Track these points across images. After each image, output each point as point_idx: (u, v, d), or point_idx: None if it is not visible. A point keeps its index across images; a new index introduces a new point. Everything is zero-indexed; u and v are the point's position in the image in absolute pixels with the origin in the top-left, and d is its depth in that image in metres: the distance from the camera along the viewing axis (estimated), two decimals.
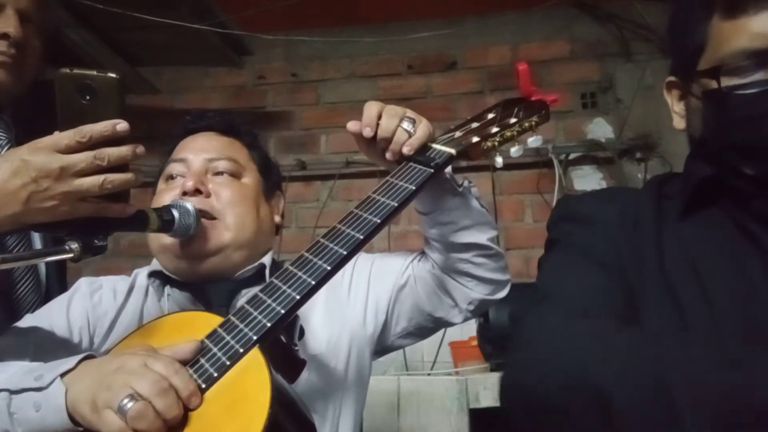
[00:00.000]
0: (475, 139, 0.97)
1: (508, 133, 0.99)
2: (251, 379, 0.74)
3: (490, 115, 1.01)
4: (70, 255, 0.77)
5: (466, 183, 1.03)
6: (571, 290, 0.76)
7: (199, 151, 1.08)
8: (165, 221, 0.93)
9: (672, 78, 0.86)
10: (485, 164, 2.51)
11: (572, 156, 2.52)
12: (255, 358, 0.76)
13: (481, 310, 1.10)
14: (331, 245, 0.83)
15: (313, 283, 0.80)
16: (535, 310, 0.76)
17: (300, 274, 0.81)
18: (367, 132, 0.95)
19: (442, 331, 2.10)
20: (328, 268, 0.81)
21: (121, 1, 2.08)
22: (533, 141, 1.01)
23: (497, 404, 1.73)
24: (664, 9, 2.47)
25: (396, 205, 0.87)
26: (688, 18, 0.81)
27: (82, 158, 0.76)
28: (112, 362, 0.76)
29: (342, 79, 2.73)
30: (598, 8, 2.57)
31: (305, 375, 0.97)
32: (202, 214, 1.00)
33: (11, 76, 1.14)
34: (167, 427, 0.71)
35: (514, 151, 1.01)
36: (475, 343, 2.02)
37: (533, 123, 1.00)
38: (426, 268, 1.07)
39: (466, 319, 1.09)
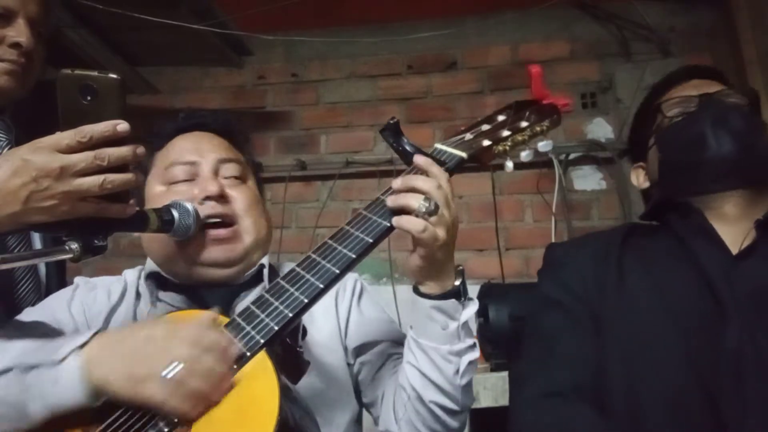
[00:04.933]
0: (487, 142, 0.95)
1: (520, 138, 0.97)
2: (259, 384, 0.74)
3: (501, 117, 0.99)
4: (70, 255, 0.77)
5: (469, 340, 0.91)
6: (551, 370, 0.97)
7: (208, 152, 1.05)
8: (165, 221, 0.93)
9: (637, 164, 1.20)
10: None
11: (572, 156, 2.51)
12: (262, 362, 0.75)
13: None
14: (339, 248, 0.83)
15: (322, 286, 0.79)
16: (518, 393, 0.99)
17: (308, 276, 0.81)
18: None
19: None
20: (337, 271, 0.80)
21: (121, 1, 2.07)
22: (544, 146, 1.00)
23: (497, 404, 1.73)
24: (664, 9, 2.49)
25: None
26: (641, 119, 1.19)
27: (83, 158, 0.76)
28: (136, 334, 0.77)
29: (342, 79, 2.73)
30: (598, 8, 2.57)
31: (307, 375, 0.97)
32: (221, 218, 0.99)
33: (18, 83, 1.15)
34: (211, 389, 0.72)
35: (525, 155, 0.99)
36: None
37: (544, 127, 0.99)
38: (391, 388, 0.98)
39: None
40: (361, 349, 1.04)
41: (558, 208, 2.45)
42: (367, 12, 2.56)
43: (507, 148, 0.96)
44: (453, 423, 0.93)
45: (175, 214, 0.94)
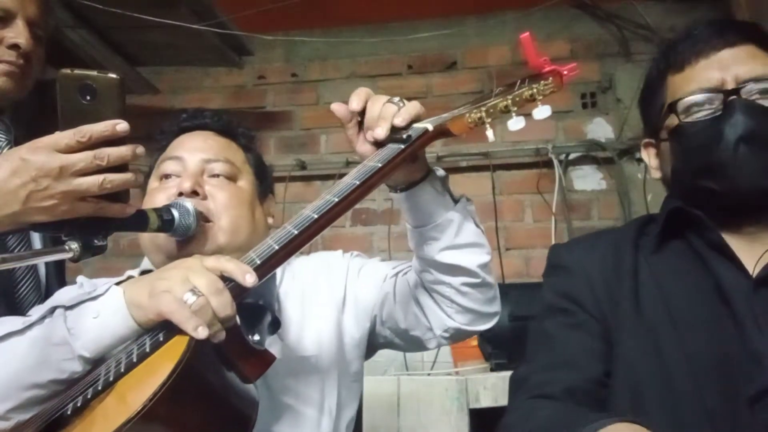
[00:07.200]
0: (456, 112, 0.89)
1: (502, 104, 0.87)
2: (160, 360, 0.73)
3: (495, 92, 0.91)
4: (70, 255, 0.77)
5: (463, 199, 0.98)
6: (545, 372, 0.90)
7: (196, 151, 1.06)
8: (165, 221, 0.93)
9: (646, 140, 1.04)
10: (485, 164, 2.51)
11: (572, 156, 2.52)
12: (180, 340, 0.73)
13: (457, 339, 1.04)
14: (288, 227, 0.83)
15: (259, 262, 0.80)
16: (512, 397, 0.92)
17: (252, 255, 0.81)
18: (354, 105, 0.91)
19: None
20: (276, 247, 0.80)
21: (121, 1, 2.07)
22: (539, 112, 0.88)
23: (497, 404, 1.73)
24: (664, 9, 2.49)
25: (357, 183, 0.83)
26: (651, 88, 1.02)
27: (82, 158, 0.76)
28: (162, 270, 0.82)
29: (342, 79, 2.73)
30: (598, 8, 2.57)
31: (303, 373, 0.98)
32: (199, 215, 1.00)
33: (16, 84, 1.16)
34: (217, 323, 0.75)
35: (512, 123, 0.88)
36: (475, 343, 2.02)
37: (534, 91, 0.88)
38: (409, 283, 1.02)
39: (439, 345, 1.05)
40: (377, 303, 1.07)
41: (558, 208, 2.46)
42: (367, 12, 2.56)
43: (483, 114, 0.87)
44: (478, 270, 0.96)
45: (175, 213, 0.94)
